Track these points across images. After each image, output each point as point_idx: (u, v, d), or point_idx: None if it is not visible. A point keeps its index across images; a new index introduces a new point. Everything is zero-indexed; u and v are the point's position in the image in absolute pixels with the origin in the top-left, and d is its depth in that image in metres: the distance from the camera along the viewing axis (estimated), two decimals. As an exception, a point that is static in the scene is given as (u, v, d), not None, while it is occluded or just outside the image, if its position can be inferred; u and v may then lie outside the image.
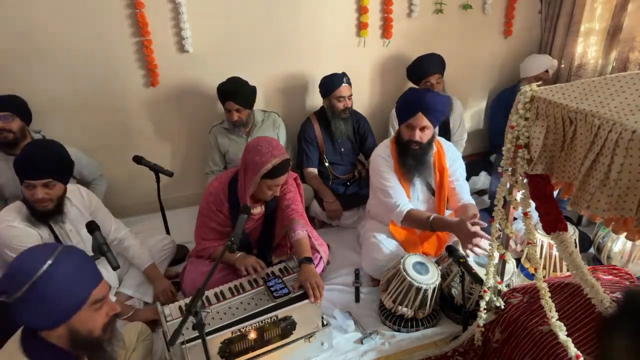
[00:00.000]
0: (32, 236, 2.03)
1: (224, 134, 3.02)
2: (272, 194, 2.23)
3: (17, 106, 2.57)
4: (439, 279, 2.20)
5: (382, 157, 2.48)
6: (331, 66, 3.11)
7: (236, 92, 2.82)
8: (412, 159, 2.39)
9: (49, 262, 1.19)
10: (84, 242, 2.23)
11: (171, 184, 3.07)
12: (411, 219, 2.37)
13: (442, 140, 2.55)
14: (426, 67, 3.18)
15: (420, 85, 3.25)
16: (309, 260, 2.12)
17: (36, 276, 1.16)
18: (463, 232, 2.16)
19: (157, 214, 2.86)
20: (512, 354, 1.78)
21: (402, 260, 2.23)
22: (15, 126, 2.54)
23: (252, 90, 2.92)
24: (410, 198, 2.51)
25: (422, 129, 2.30)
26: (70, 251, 1.26)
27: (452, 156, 2.50)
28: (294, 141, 3.30)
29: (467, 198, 2.50)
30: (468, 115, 3.88)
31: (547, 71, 3.37)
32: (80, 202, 2.22)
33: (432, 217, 2.30)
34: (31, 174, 1.98)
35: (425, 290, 2.14)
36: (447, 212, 2.72)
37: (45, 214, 2.07)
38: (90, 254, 1.95)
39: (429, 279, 2.17)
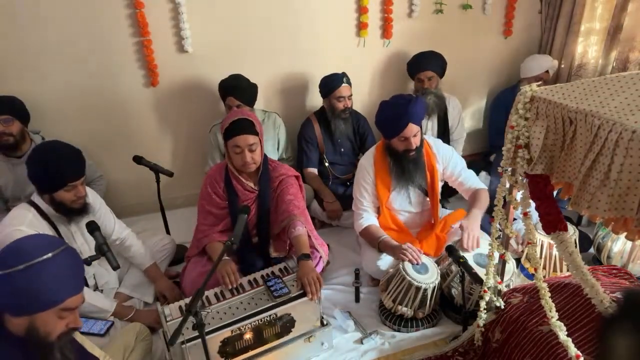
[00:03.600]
0: None
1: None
2: (242, 160, 2.21)
3: (16, 108, 2.57)
4: (439, 278, 2.20)
5: (364, 167, 2.51)
6: (331, 66, 3.11)
7: (238, 88, 2.83)
8: (412, 165, 2.40)
9: (50, 254, 1.22)
10: (88, 243, 2.23)
11: (171, 184, 3.06)
12: (367, 234, 2.48)
13: (429, 138, 2.54)
14: (420, 63, 3.19)
15: (414, 81, 3.27)
16: (307, 256, 2.13)
17: (34, 261, 1.20)
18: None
19: (157, 214, 2.86)
20: (512, 354, 1.78)
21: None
22: (15, 129, 2.54)
23: (254, 87, 2.93)
24: (390, 201, 2.52)
25: (415, 135, 2.32)
26: (71, 253, 1.30)
27: (441, 154, 2.50)
28: (294, 141, 3.30)
29: (476, 184, 2.50)
30: (468, 115, 3.89)
31: (547, 71, 3.37)
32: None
33: (380, 239, 2.40)
34: (75, 175, 2.01)
35: (425, 290, 2.14)
36: (447, 212, 2.73)
37: (81, 210, 2.10)
38: (94, 254, 1.97)
39: (429, 279, 2.17)
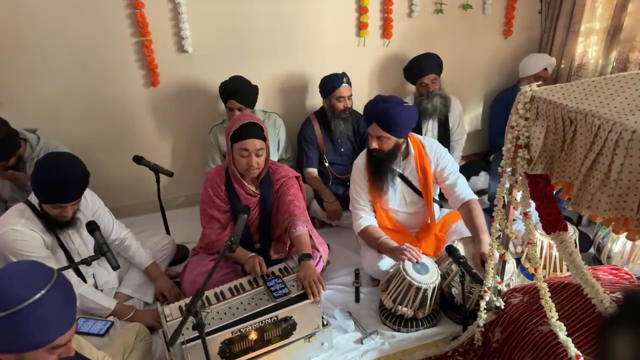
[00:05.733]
0: (35, 240, 2.03)
1: (224, 133, 3.02)
2: (248, 164, 2.20)
3: (11, 148, 2.45)
4: (439, 278, 2.20)
5: (357, 167, 2.51)
6: (331, 66, 3.11)
7: (238, 91, 2.82)
8: (372, 163, 2.42)
9: (40, 294, 1.13)
10: (86, 244, 2.23)
11: (171, 184, 3.07)
12: (365, 234, 2.46)
13: (423, 139, 2.51)
14: (420, 67, 3.17)
15: (416, 86, 3.26)
16: (308, 256, 2.13)
17: (21, 306, 1.11)
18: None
19: (157, 214, 2.86)
20: (512, 354, 1.78)
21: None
22: (11, 161, 2.48)
23: (254, 89, 2.92)
24: (384, 202, 2.52)
25: (379, 137, 2.31)
26: (61, 285, 1.20)
27: (435, 155, 2.46)
28: (294, 141, 3.30)
29: (466, 193, 2.42)
30: (468, 115, 3.88)
31: (546, 69, 3.37)
32: (83, 205, 2.20)
33: (379, 240, 2.37)
34: (63, 199, 1.99)
35: (425, 290, 2.14)
36: (445, 212, 2.73)
37: (65, 224, 2.09)
38: (92, 254, 1.97)
39: (429, 279, 2.16)
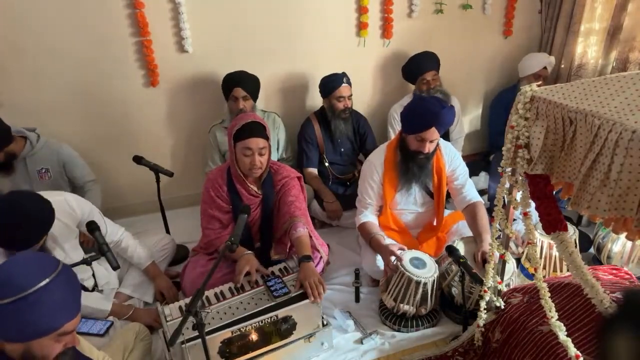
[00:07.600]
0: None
1: (223, 132, 3.02)
2: (251, 163, 2.20)
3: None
4: (437, 272, 2.20)
5: (373, 164, 2.49)
6: (331, 66, 3.11)
7: (244, 79, 2.85)
8: (416, 167, 2.39)
9: (46, 281, 1.16)
10: (69, 256, 2.14)
11: (171, 184, 3.07)
12: (363, 229, 2.49)
13: (440, 140, 2.51)
14: (421, 65, 3.18)
15: (416, 84, 3.26)
16: (309, 258, 2.13)
17: (28, 292, 1.13)
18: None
19: (157, 214, 2.86)
20: (512, 354, 1.78)
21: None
22: (0, 156, 2.45)
23: (258, 81, 2.95)
24: (395, 201, 2.52)
25: (432, 140, 2.29)
26: (66, 275, 1.22)
27: (450, 156, 2.49)
28: (294, 141, 3.30)
29: (472, 195, 2.46)
30: (467, 115, 3.89)
31: (545, 68, 3.37)
32: (66, 215, 2.09)
33: (372, 236, 2.41)
34: (20, 248, 1.82)
35: (425, 284, 2.15)
36: (447, 212, 2.73)
37: None
38: (92, 254, 1.94)
39: (427, 272, 2.17)
